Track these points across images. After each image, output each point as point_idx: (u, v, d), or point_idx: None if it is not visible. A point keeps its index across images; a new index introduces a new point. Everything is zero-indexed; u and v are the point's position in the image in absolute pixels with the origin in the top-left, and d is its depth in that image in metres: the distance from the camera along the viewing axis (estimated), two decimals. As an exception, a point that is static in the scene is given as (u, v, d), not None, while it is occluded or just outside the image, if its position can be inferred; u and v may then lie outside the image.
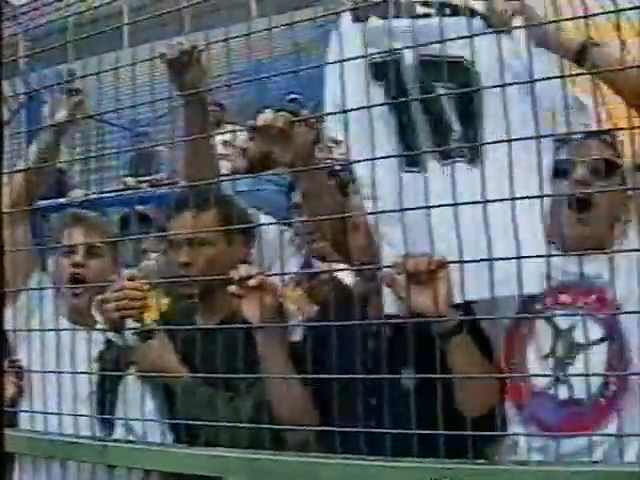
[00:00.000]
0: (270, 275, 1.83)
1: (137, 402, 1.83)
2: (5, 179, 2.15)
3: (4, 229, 2.07)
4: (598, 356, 1.69)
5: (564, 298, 1.78)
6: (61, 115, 2.28)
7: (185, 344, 1.93)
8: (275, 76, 1.75)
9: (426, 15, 1.70)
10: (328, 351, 1.59)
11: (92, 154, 2.14)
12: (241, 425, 1.67)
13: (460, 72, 1.67)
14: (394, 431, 1.40)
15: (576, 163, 1.81)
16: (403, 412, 1.45)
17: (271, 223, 2.57)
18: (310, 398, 1.86)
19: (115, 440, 1.67)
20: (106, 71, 1.82)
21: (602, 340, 1.70)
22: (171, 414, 1.97)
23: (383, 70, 1.71)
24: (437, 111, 1.72)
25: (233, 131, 3.51)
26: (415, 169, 1.70)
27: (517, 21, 1.65)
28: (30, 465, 1.92)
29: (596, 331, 1.71)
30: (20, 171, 2.21)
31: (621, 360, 1.69)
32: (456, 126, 1.72)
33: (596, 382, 1.68)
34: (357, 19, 1.72)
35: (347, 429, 1.47)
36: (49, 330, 1.90)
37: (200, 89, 2.14)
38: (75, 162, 2.50)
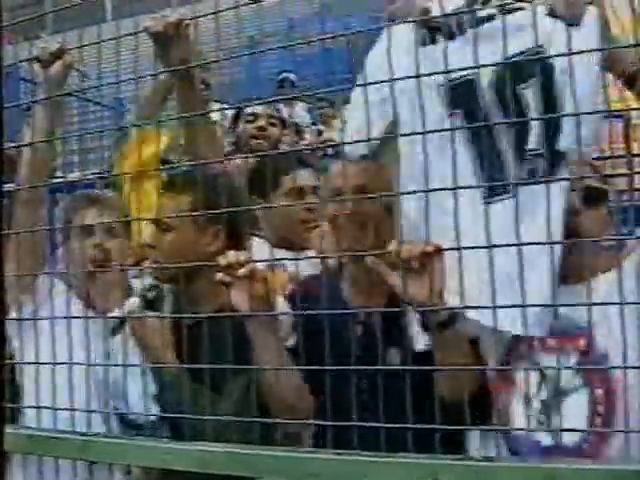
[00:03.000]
0: (258, 262, 1.76)
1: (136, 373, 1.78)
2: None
3: (19, 213, 2.01)
4: (581, 403, 1.62)
5: (550, 342, 1.67)
6: (55, 69, 2.15)
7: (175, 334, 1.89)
8: (265, 51, 1.67)
9: (489, 18, 1.61)
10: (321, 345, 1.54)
11: (74, 134, 2.06)
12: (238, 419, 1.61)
13: (542, 71, 1.57)
14: (386, 425, 1.35)
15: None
16: (393, 395, 1.41)
17: (260, 207, 2.49)
18: (305, 385, 1.81)
19: (96, 434, 1.60)
20: (88, 45, 1.74)
21: (583, 387, 1.64)
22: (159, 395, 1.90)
23: (459, 94, 1.64)
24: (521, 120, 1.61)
25: (221, 110, 3.42)
26: (503, 196, 1.59)
27: (589, 12, 1.54)
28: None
29: (579, 377, 1.65)
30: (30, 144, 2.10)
31: (607, 408, 1.62)
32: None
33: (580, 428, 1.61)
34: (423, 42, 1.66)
35: (339, 423, 1.42)
36: (60, 318, 1.80)
37: (188, 65, 2.05)
38: (60, 142, 2.40)
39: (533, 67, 1.53)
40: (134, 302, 1.97)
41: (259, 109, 3.51)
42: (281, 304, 1.91)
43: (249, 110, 3.51)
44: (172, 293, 2.08)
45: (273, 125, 3.56)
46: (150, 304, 1.99)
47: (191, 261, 1.81)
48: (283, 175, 2.47)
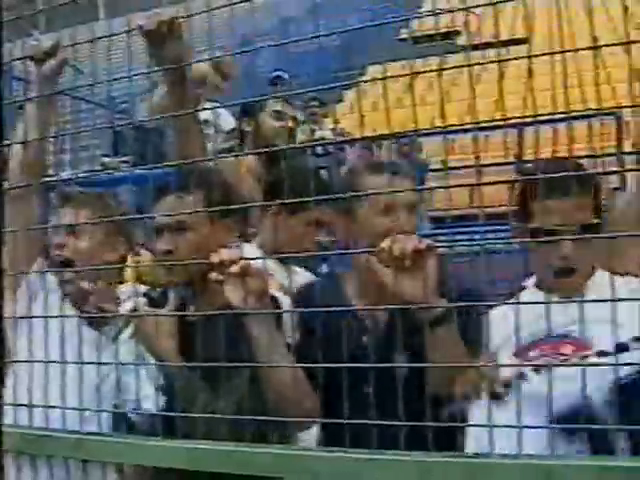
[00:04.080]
0: (251, 259, 1.75)
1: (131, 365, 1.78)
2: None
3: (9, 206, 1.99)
4: None
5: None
6: (48, 66, 2.15)
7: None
8: (257, 49, 1.67)
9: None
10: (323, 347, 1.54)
11: (67, 133, 2.06)
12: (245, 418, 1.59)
13: None
14: (400, 423, 1.37)
15: (561, 232, 1.75)
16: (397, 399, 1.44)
17: (258, 204, 2.49)
18: (307, 382, 1.79)
19: (88, 433, 1.59)
20: (81, 43, 1.74)
21: None
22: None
23: None
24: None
25: (212, 108, 3.41)
26: None
27: None
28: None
29: None
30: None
31: None
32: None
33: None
34: None
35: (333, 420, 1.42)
36: (53, 317, 1.79)
37: (181, 64, 2.05)
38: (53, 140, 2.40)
39: None
40: (138, 302, 1.97)
41: (285, 108, 3.48)
42: (285, 303, 1.91)
43: (274, 107, 3.46)
44: (177, 294, 2.07)
45: (296, 126, 3.55)
46: (154, 303, 1.99)
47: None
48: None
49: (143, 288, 2.02)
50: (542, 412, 1.49)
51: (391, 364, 1.73)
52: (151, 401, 1.75)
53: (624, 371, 1.57)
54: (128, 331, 1.97)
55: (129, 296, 1.98)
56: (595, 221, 1.77)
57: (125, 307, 1.97)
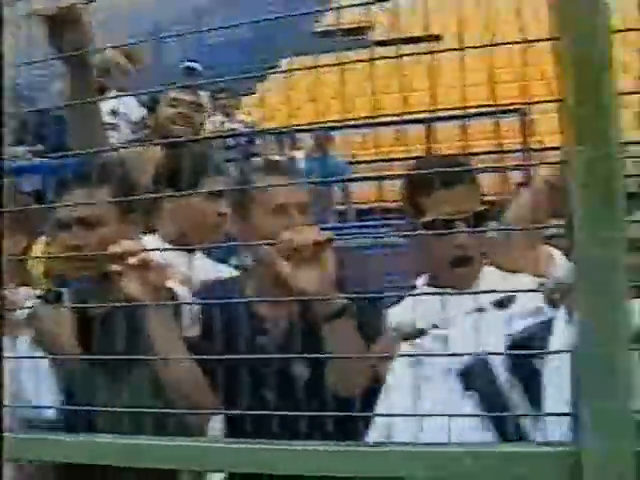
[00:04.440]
0: (150, 250, 1.73)
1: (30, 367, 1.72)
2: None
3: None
4: None
5: None
6: None
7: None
8: (171, 37, 1.65)
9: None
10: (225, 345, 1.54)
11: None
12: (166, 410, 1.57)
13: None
14: (313, 414, 1.36)
15: (455, 221, 1.80)
16: (296, 405, 1.46)
17: (172, 195, 2.46)
18: (206, 380, 1.78)
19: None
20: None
21: None
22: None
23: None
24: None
25: (117, 97, 3.35)
26: None
27: None
28: None
29: None
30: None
31: None
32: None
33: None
34: None
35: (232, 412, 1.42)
36: None
37: (82, 51, 2.00)
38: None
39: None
40: (34, 304, 1.91)
41: (181, 94, 3.43)
42: (182, 294, 1.90)
43: (171, 95, 3.41)
44: (74, 293, 2.03)
45: (196, 111, 3.49)
46: (50, 304, 1.94)
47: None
48: (199, 170, 2.43)
49: (38, 291, 1.97)
50: (439, 367, 1.55)
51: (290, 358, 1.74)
52: (50, 411, 1.73)
53: (518, 326, 1.63)
54: (25, 336, 1.91)
55: (26, 299, 1.93)
56: (483, 208, 1.83)
57: (22, 311, 1.92)
